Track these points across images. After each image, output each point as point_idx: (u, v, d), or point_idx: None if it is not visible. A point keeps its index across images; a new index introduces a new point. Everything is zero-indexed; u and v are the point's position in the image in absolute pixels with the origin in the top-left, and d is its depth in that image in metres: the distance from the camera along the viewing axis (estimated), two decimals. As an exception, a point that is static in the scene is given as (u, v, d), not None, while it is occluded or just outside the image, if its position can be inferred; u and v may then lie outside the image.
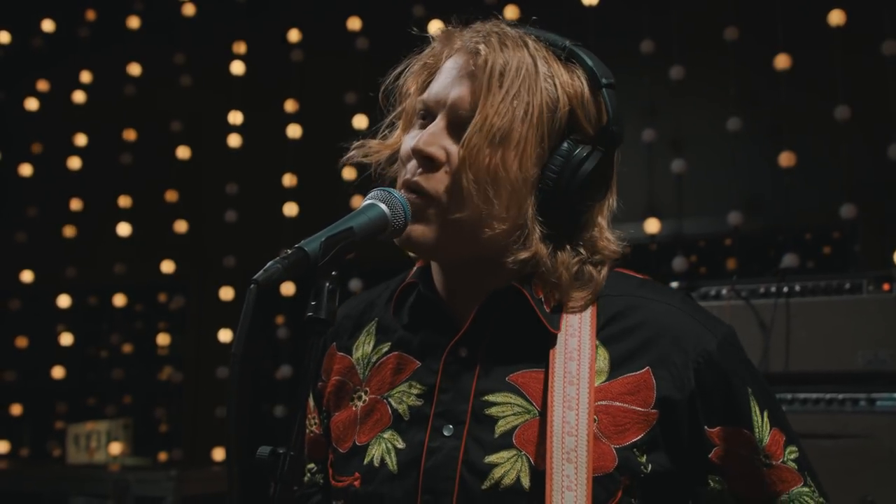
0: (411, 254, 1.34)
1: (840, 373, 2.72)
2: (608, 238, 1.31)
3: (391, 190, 1.23)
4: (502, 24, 1.29)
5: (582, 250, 1.29)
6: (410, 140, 1.29)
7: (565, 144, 1.24)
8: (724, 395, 1.27)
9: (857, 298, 2.74)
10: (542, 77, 1.23)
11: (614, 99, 1.26)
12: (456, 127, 1.24)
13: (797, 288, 2.83)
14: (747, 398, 1.28)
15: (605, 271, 1.30)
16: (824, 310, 2.78)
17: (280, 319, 4.76)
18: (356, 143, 1.37)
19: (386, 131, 1.39)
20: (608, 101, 1.25)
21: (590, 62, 1.26)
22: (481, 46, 1.23)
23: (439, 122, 1.25)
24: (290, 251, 1.09)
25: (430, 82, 1.32)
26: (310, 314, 1.08)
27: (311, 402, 1.50)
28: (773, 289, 2.85)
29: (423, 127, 1.28)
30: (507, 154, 1.21)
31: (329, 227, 1.13)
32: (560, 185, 1.24)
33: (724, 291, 2.93)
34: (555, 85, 1.24)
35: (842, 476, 2.57)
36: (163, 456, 5.37)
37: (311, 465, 1.52)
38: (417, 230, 1.24)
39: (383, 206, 1.20)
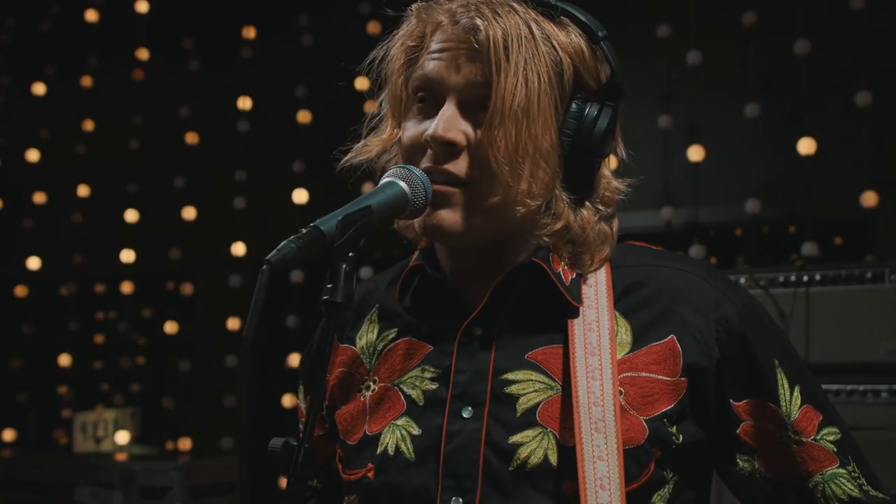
0: (435, 241, 1.29)
1: (861, 363, 2.68)
2: (616, 188, 1.29)
3: (411, 167, 1.18)
4: None
5: (600, 206, 1.27)
6: (413, 127, 1.24)
7: (574, 105, 1.22)
8: (747, 365, 1.22)
9: (878, 288, 2.69)
10: (541, 42, 1.19)
11: (612, 51, 1.23)
12: (469, 108, 1.20)
13: (817, 277, 2.78)
14: (773, 370, 1.23)
15: (616, 224, 1.29)
16: (845, 299, 2.73)
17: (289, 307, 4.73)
18: (356, 146, 1.32)
19: (375, 122, 1.34)
20: (609, 54, 1.23)
21: (583, 17, 1.23)
22: (478, 20, 1.17)
23: (450, 106, 1.20)
24: (304, 230, 1.04)
25: (415, 64, 1.26)
26: (325, 297, 1.03)
27: (303, 406, 1.47)
28: (793, 278, 2.80)
29: (423, 111, 1.23)
30: (532, 127, 1.17)
31: (346, 205, 1.08)
32: (577, 147, 1.21)
33: (742, 280, 2.88)
34: (554, 47, 1.20)
35: (863, 469, 2.54)
36: (170, 445, 5.35)
37: None
38: (448, 218, 1.19)
39: (403, 184, 1.15)
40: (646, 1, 4.14)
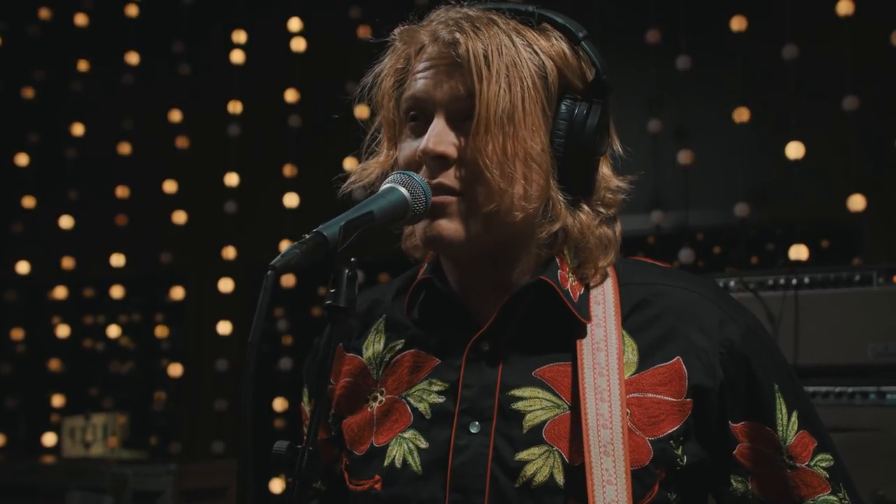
0: (437, 252, 1.30)
1: (850, 366, 2.70)
2: (618, 186, 1.31)
3: (411, 173, 1.20)
4: (462, 7, 1.27)
5: (600, 209, 1.28)
6: (408, 147, 1.26)
7: (563, 106, 1.24)
8: (747, 387, 1.24)
9: (866, 291, 2.71)
10: (522, 48, 1.21)
11: (595, 49, 1.26)
12: (457, 121, 1.22)
13: (806, 280, 2.80)
14: (773, 394, 1.24)
15: (618, 228, 1.30)
16: (833, 302, 2.75)
17: (279, 311, 4.73)
18: (356, 170, 1.34)
19: (373, 147, 1.36)
20: (591, 53, 1.25)
21: (560, 20, 1.26)
22: (457, 34, 1.20)
23: (439, 120, 1.22)
24: (307, 236, 1.05)
25: (404, 86, 1.29)
26: (328, 302, 1.04)
27: (307, 409, 1.47)
28: (782, 281, 2.82)
29: (416, 130, 1.26)
30: (519, 132, 1.19)
31: (348, 211, 1.09)
32: (570, 147, 1.23)
33: (731, 283, 2.90)
34: (536, 52, 1.22)
35: (851, 470, 2.54)
36: (160, 449, 5.34)
37: None
38: (447, 227, 1.21)
39: (403, 190, 1.17)
40: (635, 6, 4.16)
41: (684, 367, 1.21)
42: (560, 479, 1.17)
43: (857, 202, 3.51)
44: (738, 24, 3.84)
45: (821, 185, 3.80)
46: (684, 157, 3.92)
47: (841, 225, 4.24)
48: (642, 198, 4.09)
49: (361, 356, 1.37)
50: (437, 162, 1.21)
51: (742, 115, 3.79)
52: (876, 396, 2.63)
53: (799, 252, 3.45)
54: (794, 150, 3.63)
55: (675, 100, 4.09)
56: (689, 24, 4.00)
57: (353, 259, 1.06)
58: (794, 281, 2.80)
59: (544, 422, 1.20)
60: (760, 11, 3.89)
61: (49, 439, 5.10)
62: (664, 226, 3.99)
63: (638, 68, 4.07)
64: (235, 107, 4.82)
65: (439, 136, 1.21)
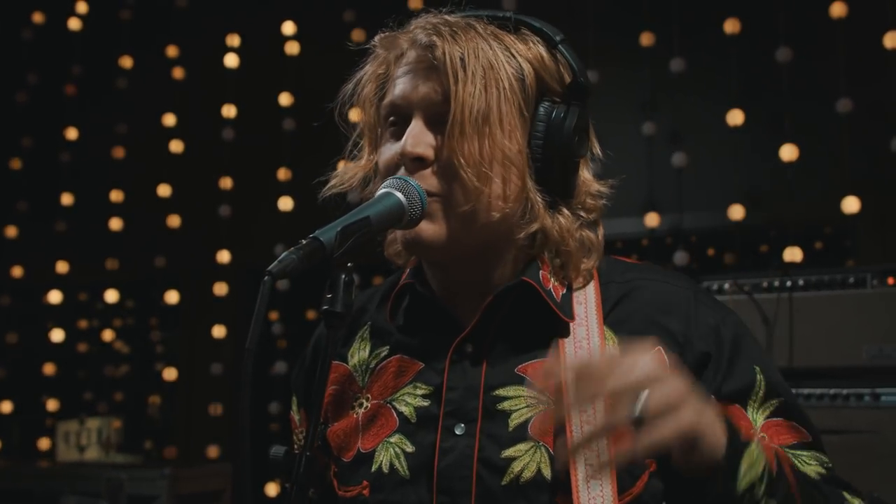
0: (418, 255, 1.31)
1: (844, 368, 2.70)
2: (599, 191, 1.32)
3: (407, 178, 1.20)
4: (442, 13, 1.28)
5: (581, 212, 1.29)
6: (387, 150, 1.27)
7: (541, 109, 1.25)
8: (729, 366, 1.25)
9: (861, 293, 2.72)
10: (500, 52, 1.23)
11: (572, 52, 1.27)
12: (434, 123, 1.23)
13: (800, 282, 2.80)
14: (754, 376, 1.27)
15: (601, 232, 1.32)
16: (828, 304, 2.75)
17: (274, 315, 4.72)
18: (337, 174, 1.35)
19: (354, 152, 1.37)
20: (568, 56, 1.27)
21: (537, 25, 1.28)
22: (434, 38, 1.22)
23: (417, 122, 1.24)
24: (304, 241, 1.05)
25: (384, 91, 1.30)
26: (325, 307, 1.04)
27: (297, 418, 1.47)
28: (776, 283, 2.83)
29: (395, 134, 1.27)
30: (494, 133, 1.20)
31: (345, 216, 1.10)
32: (548, 148, 1.24)
33: (726, 286, 2.90)
34: (513, 55, 1.24)
35: (846, 472, 2.52)
36: (155, 453, 5.33)
37: None
38: (427, 230, 1.22)
39: (399, 195, 1.17)
40: (629, 8, 4.16)
41: (665, 357, 1.22)
42: (547, 472, 1.18)
43: (850, 204, 3.52)
44: (731, 26, 3.85)
45: (815, 187, 3.81)
46: (678, 159, 3.93)
47: (835, 227, 4.25)
48: (637, 200, 4.10)
49: (347, 363, 1.38)
50: (415, 163, 1.22)
51: (736, 117, 3.79)
52: (871, 398, 2.63)
53: (793, 254, 3.46)
54: (788, 152, 3.64)
55: (669, 102, 4.10)
56: (683, 27, 4.01)
57: (349, 264, 1.06)
58: (789, 283, 2.81)
59: (529, 419, 1.21)
60: (754, 14, 3.90)
61: (43, 444, 5.09)
62: (658, 228, 3.99)
63: (632, 70, 4.08)
64: (229, 110, 4.83)
65: (416, 138, 1.22)
